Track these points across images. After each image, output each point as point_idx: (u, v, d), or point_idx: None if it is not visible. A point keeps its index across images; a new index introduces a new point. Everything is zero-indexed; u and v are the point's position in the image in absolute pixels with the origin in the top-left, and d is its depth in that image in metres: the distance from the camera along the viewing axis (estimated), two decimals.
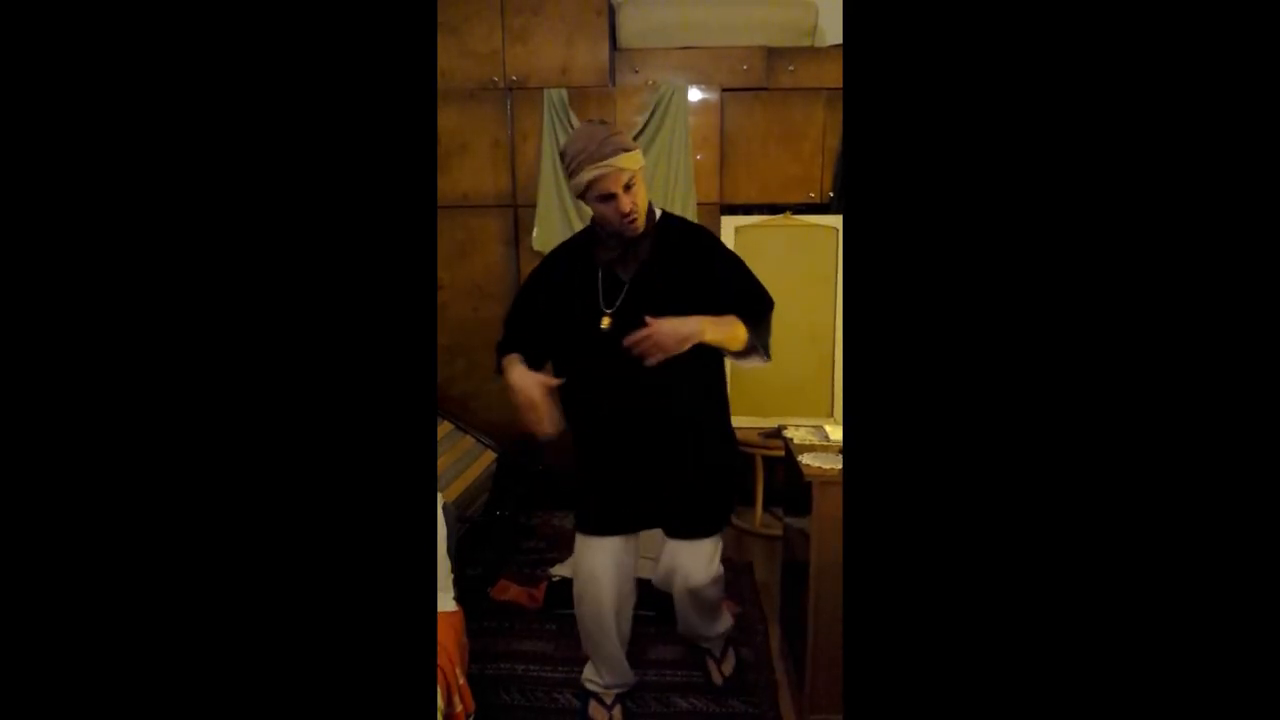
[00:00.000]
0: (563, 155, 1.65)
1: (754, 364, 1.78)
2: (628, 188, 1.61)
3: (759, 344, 1.73)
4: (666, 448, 1.76)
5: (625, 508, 1.81)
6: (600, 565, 1.84)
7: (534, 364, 1.76)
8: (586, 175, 1.59)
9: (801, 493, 1.97)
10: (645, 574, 2.04)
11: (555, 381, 1.70)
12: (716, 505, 1.85)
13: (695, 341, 1.59)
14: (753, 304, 1.73)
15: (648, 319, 1.56)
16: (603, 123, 1.64)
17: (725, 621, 2.11)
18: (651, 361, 1.56)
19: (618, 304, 1.71)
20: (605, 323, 1.69)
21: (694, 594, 1.87)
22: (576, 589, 1.91)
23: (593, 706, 2.02)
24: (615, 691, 2.02)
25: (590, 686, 2.03)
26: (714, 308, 1.66)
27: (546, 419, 1.68)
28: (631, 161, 1.60)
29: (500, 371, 1.78)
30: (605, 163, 1.57)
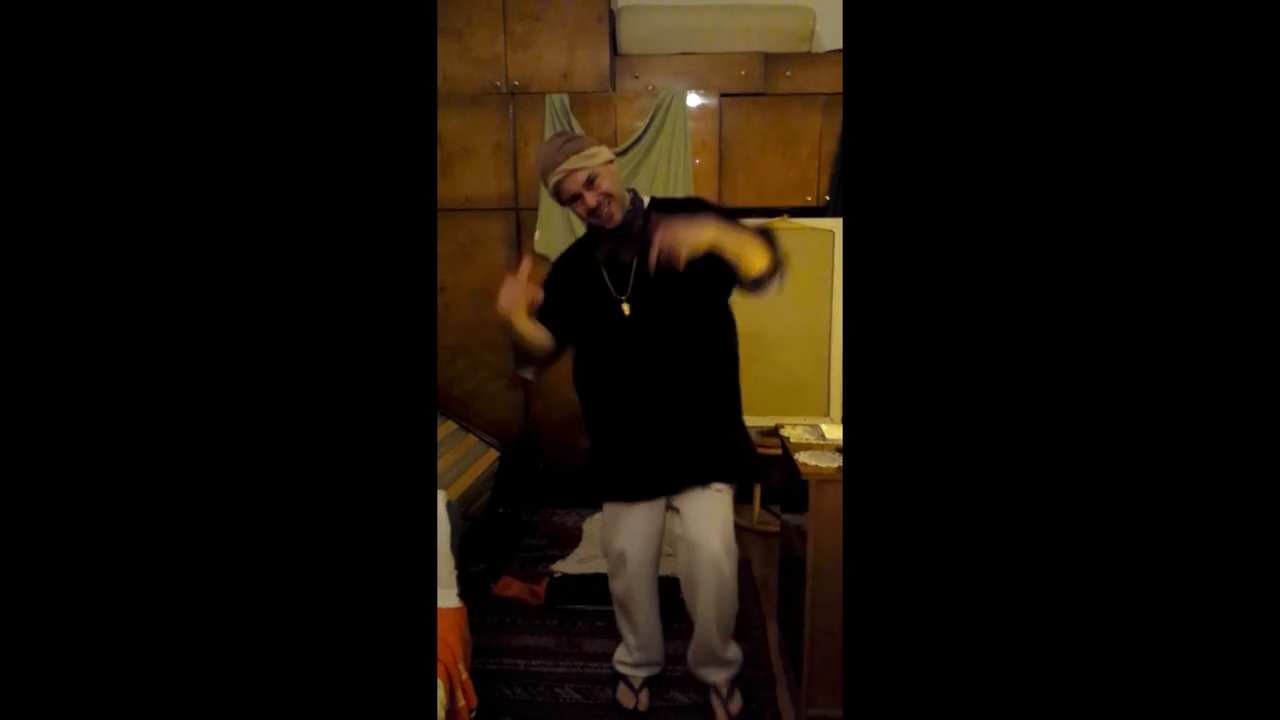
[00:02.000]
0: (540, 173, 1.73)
1: (771, 287, 1.67)
2: (590, 184, 1.66)
3: (777, 261, 1.64)
4: (680, 425, 1.81)
5: (646, 475, 1.87)
6: (633, 532, 1.91)
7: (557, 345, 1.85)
8: (552, 181, 1.68)
9: (798, 491, 2.01)
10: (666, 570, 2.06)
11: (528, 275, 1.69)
12: (726, 461, 1.87)
13: (710, 239, 1.53)
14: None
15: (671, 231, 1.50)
16: (561, 134, 1.74)
17: (735, 651, 2.03)
18: (681, 261, 1.50)
19: (629, 290, 1.78)
20: (626, 309, 1.78)
21: (709, 553, 1.81)
22: (611, 566, 1.99)
23: (621, 691, 2.10)
24: (644, 674, 2.09)
25: (621, 669, 2.11)
26: (720, 269, 1.63)
27: (511, 301, 1.68)
28: (585, 160, 1.65)
29: (531, 364, 1.90)
30: (560, 168, 1.66)
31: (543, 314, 1.82)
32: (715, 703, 2.02)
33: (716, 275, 1.67)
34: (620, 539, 1.93)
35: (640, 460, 1.86)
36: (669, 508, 1.92)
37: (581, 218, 1.75)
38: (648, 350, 1.78)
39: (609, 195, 1.69)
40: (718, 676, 2.00)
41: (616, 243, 1.78)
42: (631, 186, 1.91)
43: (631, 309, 1.78)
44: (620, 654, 2.12)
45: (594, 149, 1.69)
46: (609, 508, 1.96)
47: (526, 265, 1.70)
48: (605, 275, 1.80)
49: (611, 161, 1.72)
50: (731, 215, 1.74)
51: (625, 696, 2.09)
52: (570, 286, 1.85)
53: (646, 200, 1.83)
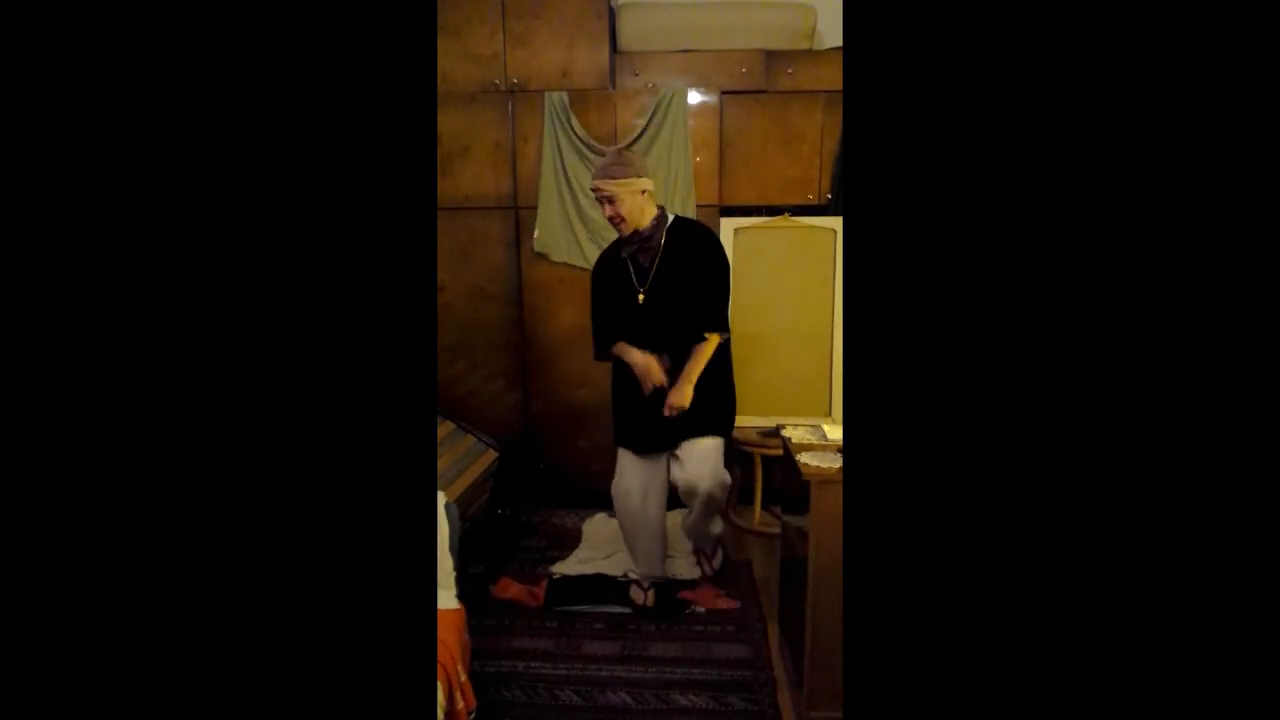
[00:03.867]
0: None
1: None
2: (610, 202, 2.35)
3: (723, 333, 2.45)
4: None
5: (655, 432, 2.47)
6: (635, 476, 2.57)
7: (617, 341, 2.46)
8: (590, 186, 2.41)
9: (800, 492, 1.99)
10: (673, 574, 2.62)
11: (664, 360, 2.40)
12: (714, 417, 2.48)
13: (690, 393, 2.38)
14: (714, 323, 2.43)
15: (669, 397, 2.36)
16: (617, 151, 2.49)
17: (719, 525, 2.72)
18: (670, 413, 2.36)
19: (647, 284, 2.44)
20: (640, 298, 2.43)
21: (703, 492, 2.47)
22: (616, 501, 2.63)
23: (633, 590, 2.62)
24: (650, 579, 2.62)
25: (630, 576, 2.67)
26: (693, 300, 2.40)
27: (659, 379, 2.38)
28: (611, 185, 2.32)
29: (603, 358, 2.54)
30: (594, 181, 2.37)
31: (598, 309, 2.54)
32: (702, 561, 2.77)
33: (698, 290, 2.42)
34: (626, 481, 2.58)
35: (643, 417, 2.45)
36: (671, 456, 2.53)
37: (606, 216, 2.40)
38: (656, 329, 2.41)
39: (620, 215, 2.36)
40: (703, 544, 2.75)
41: (637, 247, 2.42)
42: (660, 206, 2.51)
43: (645, 298, 2.43)
44: (627, 564, 2.72)
45: (625, 182, 2.31)
46: (621, 456, 2.61)
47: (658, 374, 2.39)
48: (631, 271, 2.44)
49: (644, 191, 2.34)
50: (721, 272, 2.45)
51: (636, 594, 2.62)
52: (605, 276, 2.52)
53: (671, 218, 2.47)
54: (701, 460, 2.46)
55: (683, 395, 2.36)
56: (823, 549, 1.89)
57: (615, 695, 2.13)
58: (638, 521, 2.61)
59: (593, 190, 2.38)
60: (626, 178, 2.32)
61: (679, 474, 2.51)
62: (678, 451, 2.50)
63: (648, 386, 2.39)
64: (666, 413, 2.35)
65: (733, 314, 2.60)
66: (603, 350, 2.54)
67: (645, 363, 2.39)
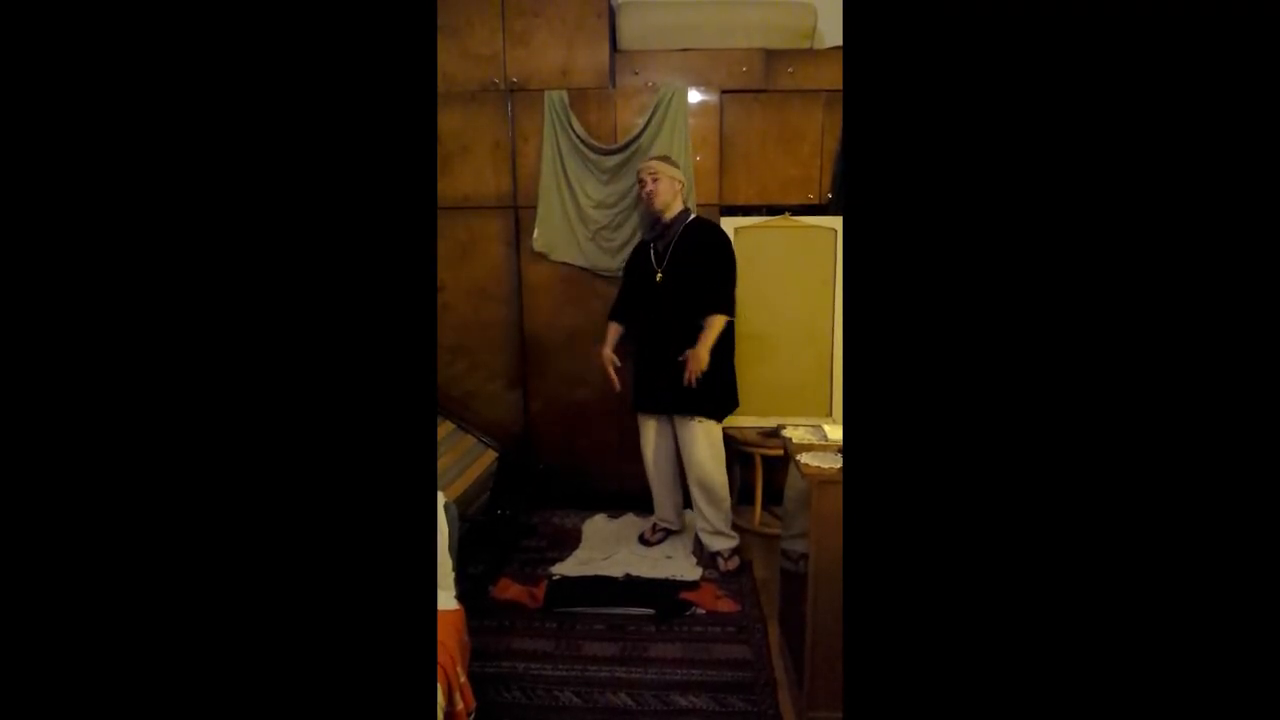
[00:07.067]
0: None
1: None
2: (653, 178, 2.77)
3: (727, 315, 2.75)
4: (677, 362, 2.71)
5: (659, 396, 2.84)
6: (647, 433, 2.96)
7: (628, 322, 2.94)
8: (641, 164, 2.88)
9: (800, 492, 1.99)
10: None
11: (616, 362, 2.89)
12: (706, 401, 2.79)
13: (705, 357, 2.68)
14: (716, 304, 2.72)
15: (687, 354, 2.67)
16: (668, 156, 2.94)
17: (727, 527, 2.91)
18: (692, 378, 2.67)
19: (664, 265, 2.82)
20: (658, 277, 2.82)
21: (694, 464, 2.84)
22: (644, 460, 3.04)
23: (647, 527, 3.11)
24: (665, 526, 3.09)
25: (655, 519, 3.12)
26: (701, 283, 2.74)
27: (608, 368, 2.88)
28: (657, 165, 2.79)
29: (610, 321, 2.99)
30: (643, 162, 2.85)
31: (621, 288, 3.02)
32: (719, 561, 2.88)
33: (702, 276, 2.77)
34: (641, 440, 2.99)
35: (651, 382, 2.84)
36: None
37: (639, 196, 2.88)
38: (669, 302, 2.78)
39: (652, 192, 2.78)
40: (720, 545, 2.90)
41: (658, 235, 2.84)
42: (687, 204, 2.90)
43: (662, 277, 2.80)
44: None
45: (671, 169, 2.79)
46: (638, 419, 2.98)
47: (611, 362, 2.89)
48: (651, 254, 2.85)
49: (678, 182, 2.81)
50: (723, 264, 2.76)
51: (645, 529, 3.11)
52: (634, 259, 2.96)
53: (692, 217, 2.85)
54: (693, 439, 2.83)
55: (698, 359, 2.67)
56: (823, 549, 1.89)
57: (615, 696, 2.13)
58: (651, 472, 3.02)
59: (639, 171, 2.83)
60: (668, 164, 2.81)
61: (681, 447, 2.90)
62: (676, 424, 2.89)
63: (607, 375, 2.93)
64: (688, 375, 2.67)
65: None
66: (610, 318, 3.00)
67: (603, 354, 2.91)
